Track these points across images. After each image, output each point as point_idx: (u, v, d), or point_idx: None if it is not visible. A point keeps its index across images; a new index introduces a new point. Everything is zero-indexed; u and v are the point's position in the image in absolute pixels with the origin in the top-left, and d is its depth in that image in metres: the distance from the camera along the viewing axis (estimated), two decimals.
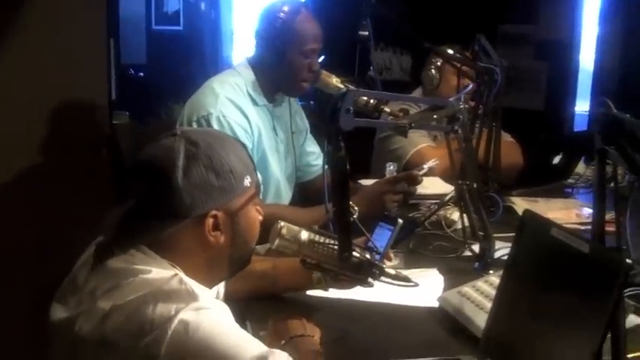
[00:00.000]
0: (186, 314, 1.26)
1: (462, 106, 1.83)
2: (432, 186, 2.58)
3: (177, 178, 1.36)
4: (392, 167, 2.47)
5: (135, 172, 1.43)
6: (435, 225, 2.39)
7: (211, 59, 4.61)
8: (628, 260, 1.19)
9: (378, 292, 1.77)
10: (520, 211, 2.61)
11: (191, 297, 1.30)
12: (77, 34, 2.95)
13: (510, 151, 3.01)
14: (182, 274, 1.37)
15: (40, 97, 2.88)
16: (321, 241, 1.56)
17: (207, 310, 1.29)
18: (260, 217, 1.53)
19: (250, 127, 2.35)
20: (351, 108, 1.51)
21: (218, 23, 5.15)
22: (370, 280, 1.57)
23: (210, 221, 1.40)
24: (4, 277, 2.73)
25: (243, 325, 1.65)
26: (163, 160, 1.38)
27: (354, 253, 1.54)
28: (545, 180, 2.93)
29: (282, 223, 1.56)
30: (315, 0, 4.34)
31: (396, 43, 4.53)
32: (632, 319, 1.62)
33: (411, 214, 2.47)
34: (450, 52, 3.10)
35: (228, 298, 1.74)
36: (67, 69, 2.93)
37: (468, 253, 2.13)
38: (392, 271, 1.60)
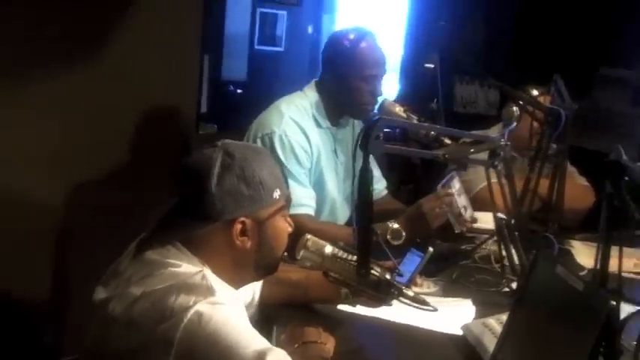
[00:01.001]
0: (202, 306, 1.42)
1: (502, 143, 1.91)
2: (490, 220, 2.65)
3: (212, 184, 1.53)
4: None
5: (177, 175, 1.61)
6: (484, 259, 2.46)
7: (308, 79, 4.79)
8: (612, 302, 1.27)
9: (405, 315, 1.89)
10: (577, 255, 2.66)
11: (209, 292, 1.46)
12: (173, 49, 3.18)
13: (581, 194, 3.04)
14: (208, 272, 1.53)
15: (135, 105, 3.10)
16: (344, 256, 1.69)
17: (222, 305, 1.45)
18: (289, 229, 1.67)
19: (310, 147, 2.52)
20: (381, 135, 1.63)
21: (318, 45, 5.37)
22: (388, 299, 1.69)
23: (238, 227, 1.56)
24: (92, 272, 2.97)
25: (270, 328, 1.81)
26: (202, 167, 1.55)
27: (374, 272, 1.66)
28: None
29: (309, 236, 1.71)
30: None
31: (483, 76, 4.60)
32: None
33: (463, 247, 2.54)
34: (535, 92, 3.17)
35: (263, 302, 1.90)
36: (161, 81, 3.15)
37: (508, 288, 2.20)
38: (410, 293, 1.70)
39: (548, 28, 4.42)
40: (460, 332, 1.88)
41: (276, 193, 1.60)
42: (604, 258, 1.43)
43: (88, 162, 2.96)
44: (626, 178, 1.40)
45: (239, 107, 4.65)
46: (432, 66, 2.52)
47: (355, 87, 2.53)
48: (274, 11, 5.43)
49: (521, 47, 4.35)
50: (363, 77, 2.52)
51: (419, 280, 2.07)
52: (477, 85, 4.70)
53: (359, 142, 1.66)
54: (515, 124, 2.51)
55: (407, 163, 4.12)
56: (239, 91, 5.09)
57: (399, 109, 2.48)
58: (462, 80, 4.59)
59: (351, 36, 2.53)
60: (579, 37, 4.39)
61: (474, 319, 1.96)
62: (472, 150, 1.89)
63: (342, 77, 2.54)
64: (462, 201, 2.46)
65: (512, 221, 2.05)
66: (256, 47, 5.29)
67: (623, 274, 2.39)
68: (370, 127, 1.65)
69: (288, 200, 1.66)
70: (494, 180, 3.05)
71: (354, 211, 2.65)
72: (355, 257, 1.67)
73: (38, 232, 2.83)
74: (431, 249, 1.84)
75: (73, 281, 2.92)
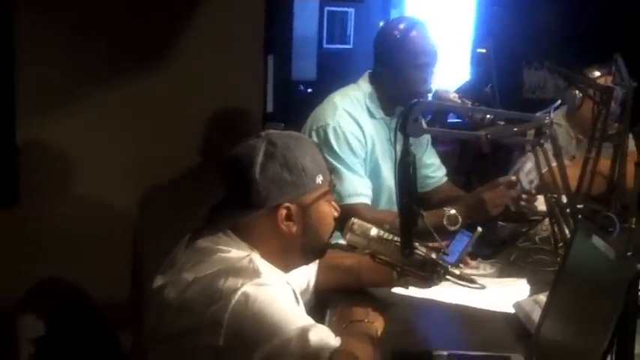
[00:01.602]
0: (249, 288, 1.51)
1: (547, 121, 1.94)
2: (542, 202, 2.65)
3: (255, 172, 1.62)
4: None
5: (224, 166, 1.71)
6: (545, 240, 2.47)
7: None
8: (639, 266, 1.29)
9: (458, 295, 1.94)
10: None
11: (256, 274, 1.54)
12: (237, 52, 3.28)
13: None
14: (256, 256, 1.62)
15: (201, 108, 3.21)
16: (389, 238, 1.75)
17: (267, 286, 1.53)
18: (335, 214, 1.75)
19: (364, 137, 2.58)
20: (420, 117, 1.69)
21: None
22: (435, 278, 1.74)
23: (283, 212, 1.64)
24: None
25: (324, 312, 1.89)
26: (246, 156, 1.65)
27: (419, 252, 1.71)
28: None
29: (355, 220, 1.78)
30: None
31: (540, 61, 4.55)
32: None
33: (524, 229, 2.56)
34: (597, 73, 3.15)
35: (318, 289, 1.98)
36: (227, 84, 3.25)
37: None
38: (457, 272, 1.75)
39: (615, 6, 4.35)
40: (512, 310, 1.91)
41: (319, 179, 1.67)
42: (638, 226, 1.45)
43: (160, 166, 3.08)
44: None
45: (309, 106, 4.73)
46: (484, 51, 2.53)
47: (408, 76, 2.58)
48: (342, 9, 5.52)
49: (588, 29, 4.29)
50: (415, 65, 2.57)
51: (473, 263, 2.11)
52: (544, 70, 4.67)
53: (400, 125, 1.71)
54: (559, 102, 2.50)
55: (462, 155, 4.15)
56: (309, 90, 5.20)
57: (453, 96, 2.52)
58: (530, 66, 4.56)
59: (402, 26, 2.59)
60: None
61: (528, 297, 1.98)
62: (515, 129, 1.91)
63: (394, 67, 2.59)
64: (528, 180, 2.47)
65: (564, 200, 2.06)
66: (325, 46, 5.40)
67: None
68: (408, 111, 1.70)
69: (332, 185, 1.73)
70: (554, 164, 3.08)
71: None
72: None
73: (115, 237, 2.97)
74: (480, 229, 1.88)
75: (147, 284, 3.05)
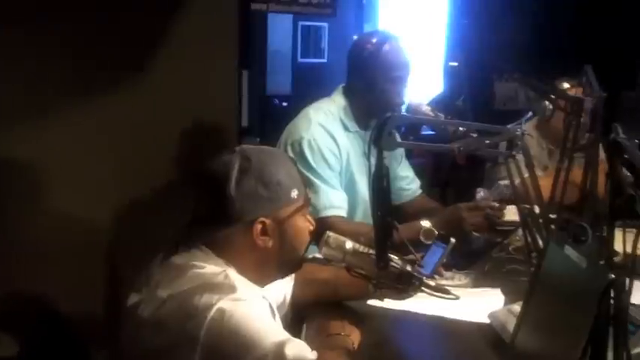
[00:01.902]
0: (224, 303, 1.51)
1: (518, 132, 1.95)
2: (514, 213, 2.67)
3: (231, 188, 1.62)
4: (482, 193, 2.60)
5: (197, 182, 1.70)
6: (519, 250, 2.48)
7: None
8: (611, 275, 1.31)
9: (433, 307, 1.94)
10: (615, 242, 2.66)
11: (231, 289, 1.54)
12: (211, 67, 3.27)
13: None
14: (232, 271, 1.61)
15: (176, 123, 3.19)
16: (365, 251, 1.76)
17: (243, 301, 1.53)
18: (310, 227, 1.75)
19: (339, 151, 2.59)
20: (394, 131, 1.69)
21: None
22: (410, 290, 1.75)
23: (258, 227, 1.64)
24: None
25: (300, 327, 1.88)
26: (220, 172, 1.64)
27: (394, 264, 1.72)
28: None
29: (330, 234, 1.78)
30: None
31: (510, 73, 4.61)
32: None
33: (498, 239, 2.58)
34: (566, 85, 3.19)
35: (295, 302, 1.98)
36: (201, 99, 3.24)
37: None
38: (432, 283, 1.76)
39: (586, 18, 4.41)
40: (487, 320, 1.92)
41: (294, 193, 1.68)
42: (609, 236, 1.46)
43: (134, 180, 3.05)
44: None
45: (284, 120, 4.74)
46: (456, 64, 2.55)
47: (381, 89, 2.60)
48: (316, 23, 5.54)
49: (560, 41, 4.35)
50: (389, 79, 2.59)
51: (448, 273, 2.12)
52: (515, 83, 4.71)
53: (374, 138, 1.71)
54: (530, 114, 2.53)
55: (436, 167, 4.17)
56: (284, 104, 5.21)
57: (426, 109, 2.53)
58: (501, 78, 4.61)
59: (375, 40, 2.61)
60: (620, 27, 4.37)
61: (502, 307, 1.99)
62: (487, 141, 1.93)
63: (368, 80, 2.61)
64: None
65: (537, 211, 2.08)
66: (299, 60, 5.42)
67: None
68: (383, 124, 1.71)
69: (307, 200, 1.74)
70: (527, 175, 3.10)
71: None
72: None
73: (89, 251, 2.94)
74: (453, 240, 1.89)
75: (123, 298, 3.04)
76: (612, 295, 1.31)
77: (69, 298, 2.05)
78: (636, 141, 1.49)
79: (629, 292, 1.31)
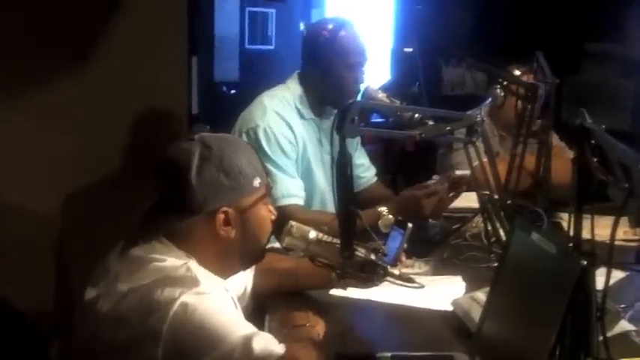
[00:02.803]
0: (188, 297, 1.45)
1: (478, 119, 1.93)
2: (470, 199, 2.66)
3: (192, 177, 1.55)
4: (435, 178, 2.58)
5: (156, 171, 1.63)
6: (475, 237, 2.48)
7: None
8: (583, 262, 1.29)
9: (396, 295, 1.92)
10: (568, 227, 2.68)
11: (194, 283, 1.48)
12: (160, 52, 3.19)
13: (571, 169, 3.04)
14: (194, 263, 1.56)
15: (125, 110, 3.11)
16: (328, 240, 1.71)
17: (207, 295, 1.47)
18: (272, 217, 1.70)
19: (295, 138, 2.54)
20: (356, 118, 1.65)
21: None
22: (375, 278, 1.71)
23: (221, 217, 1.58)
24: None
25: (263, 318, 1.84)
26: (180, 161, 1.58)
27: (358, 253, 1.68)
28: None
29: (293, 223, 1.73)
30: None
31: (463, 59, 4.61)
32: (622, 325, 1.68)
33: (455, 226, 2.57)
34: (517, 72, 3.20)
35: (255, 293, 1.93)
36: (150, 85, 3.16)
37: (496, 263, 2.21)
38: (396, 272, 1.73)
39: (530, 6, 4.44)
40: (450, 308, 1.90)
41: (257, 182, 1.62)
42: (576, 222, 1.44)
43: (82, 169, 2.97)
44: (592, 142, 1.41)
45: (233, 107, 4.66)
46: (411, 50, 2.52)
47: (339, 76, 2.56)
48: (263, 9, 5.47)
49: (505, 27, 4.37)
50: (346, 65, 2.55)
51: (408, 261, 2.10)
52: (463, 68, 4.73)
53: (337, 126, 1.67)
54: (490, 99, 2.52)
55: (387, 154, 4.16)
56: (232, 91, 5.13)
57: (381, 95, 2.50)
58: (449, 63, 4.62)
59: (330, 26, 2.56)
60: (563, 13, 4.41)
61: (464, 294, 1.98)
62: (448, 128, 1.90)
63: (324, 68, 2.56)
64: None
65: (496, 197, 2.07)
66: (247, 47, 5.34)
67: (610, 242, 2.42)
68: (345, 111, 1.67)
69: (268, 188, 1.69)
70: (484, 160, 3.11)
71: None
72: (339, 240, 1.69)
73: (37, 241, 2.84)
74: (410, 225, 1.85)
75: (75, 290, 2.95)
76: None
77: (19, 292, 1.97)
78: (602, 126, 1.48)
79: (607, 279, 1.29)
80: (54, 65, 2.87)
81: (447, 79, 4.71)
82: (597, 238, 1.44)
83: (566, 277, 1.30)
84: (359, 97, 2.54)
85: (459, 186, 2.45)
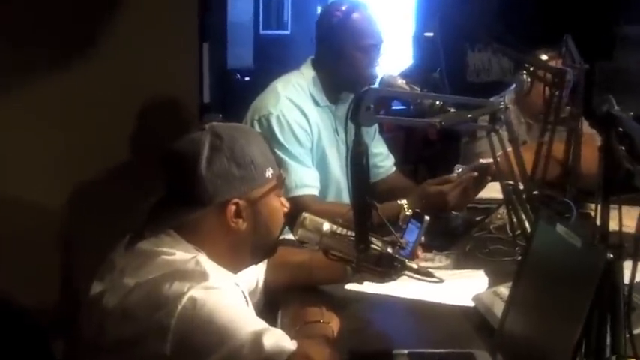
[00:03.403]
0: (196, 292, 1.46)
1: (502, 106, 1.93)
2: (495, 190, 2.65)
3: (202, 167, 1.57)
4: (460, 170, 2.57)
5: (165, 162, 1.65)
6: (500, 229, 2.48)
7: None
8: (610, 255, 1.29)
9: (415, 290, 1.92)
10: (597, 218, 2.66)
11: (203, 277, 1.50)
12: (170, 40, 3.20)
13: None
14: (203, 257, 1.57)
15: (135, 100, 3.14)
16: (343, 232, 1.72)
17: (216, 289, 1.48)
18: (284, 209, 1.71)
19: (310, 126, 2.55)
20: (372, 106, 1.65)
21: None
22: (392, 272, 1.72)
23: (232, 208, 1.59)
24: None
25: (275, 314, 1.85)
26: (190, 151, 1.59)
27: (374, 246, 1.68)
28: None
29: (306, 215, 1.74)
30: None
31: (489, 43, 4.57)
32: None
33: (478, 218, 2.56)
34: (544, 57, 3.18)
35: (267, 288, 1.94)
36: (160, 74, 3.17)
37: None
38: (414, 265, 1.73)
39: None
40: (472, 303, 1.90)
41: (269, 172, 1.63)
42: (603, 213, 1.44)
43: (91, 162, 3.00)
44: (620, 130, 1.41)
45: (246, 96, 4.67)
46: (432, 34, 2.52)
47: (351, 59, 2.56)
48: None
49: (533, 9, 4.34)
50: (360, 47, 2.55)
51: (428, 255, 2.10)
52: (489, 53, 4.70)
53: (351, 114, 1.67)
54: (513, 85, 2.51)
55: (408, 143, 4.15)
56: (246, 78, 5.14)
57: (401, 82, 2.49)
58: (474, 48, 4.59)
59: (343, 8, 2.56)
60: None
61: (487, 289, 1.98)
62: (470, 116, 1.90)
63: (338, 51, 2.57)
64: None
65: (521, 187, 2.06)
66: (261, 32, 5.34)
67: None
68: (360, 98, 1.67)
69: (280, 179, 1.69)
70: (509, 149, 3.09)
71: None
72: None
73: (43, 235, 2.88)
74: (427, 218, 1.84)
75: (80, 286, 2.97)
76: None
77: (22, 286, 1.99)
78: (630, 113, 1.48)
79: (633, 272, 1.29)
80: (60, 55, 2.90)
81: (472, 65, 4.68)
82: (626, 229, 1.45)
83: (591, 271, 1.29)
84: (377, 84, 2.54)
85: (484, 176, 2.44)
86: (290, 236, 1.91)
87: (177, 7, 3.23)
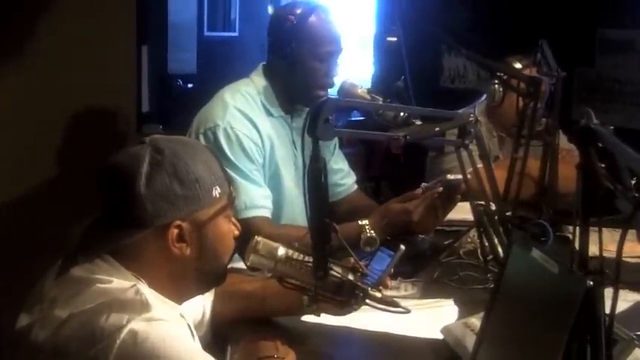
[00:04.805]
0: (137, 324, 1.46)
1: (471, 118, 1.96)
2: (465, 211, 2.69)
3: (140, 185, 1.57)
4: (424, 186, 2.60)
5: (100, 178, 1.65)
6: (470, 254, 2.52)
7: None
8: (590, 282, 1.32)
9: (378, 322, 1.94)
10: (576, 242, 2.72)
11: (144, 308, 1.50)
12: (105, 42, 3.21)
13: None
14: (144, 286, 1.57)
15: (67, 107, 3.14)
16: (299, 258, 1.73)
17: (159, 321, 1.49)
18: (236, 232, 1.72)
19: (261, 139, 2.56)
20: (331, 118, 1.68)
21: None
22: (353, 302, 1.74)
23: (174, 232, 1.60)
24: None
25: (224, 349, 1.85)
26: (127, 167, 1.59)
27: (334, 273, 1.70)
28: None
29: (259, 239, 1.75)
30: None
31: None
32: (638, 355, 1.72)
33: (446, 242, 2.60)
34: (518, 65, 3.24)
35: (215, 320, 1.94)
36: (95, 80, 3.18)
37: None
38: (378, 294, 1.75)
39: None
40: (440, 336, 1.93)
41: (216, 191, 1.64)
42: (582, 237, 1.48)
43: (19, 171, 2.99)
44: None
45: (189, 104, 4.68)
46: (395, 39, 2.55)
47: (307, 67, 2.58)
48: None
49: (507, 12, 4.41)
50: (315, 55, 2.57)
51: (393, 283, 2.12)
52: (464, 58, 4.71)
53: (308, 127, 1.69)
54: (484, 96, 2.56)
55: (370, 158, 4.18)
56: (190, 85, 5.15)
57: (361, 91, 2.52)
58: (451, 51, 4.59)
59: (298, 10, 2.57)
60: None
61: (456, 320, 2.01)
62: (437, 129, 1.93)
63: (291, 58, 2.58)
64: None
65: (493, 208, 2.10)
66: (206, 34, 5.36)
67: (624, 259, 2.45)
68: (318, 109, 1.69)
69: (231, 199, 1.70)
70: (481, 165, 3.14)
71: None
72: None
73: None
74: (402, 247, 1.88)
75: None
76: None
77: None
78: (611, 127, 1.52)
79: (614, 301, 1.32)
80: None
81: (448, 70, 4.70)
82: (607, 254, 1.49)
83: (570, 300, 1.33)
84: (334, 94, 2.57)
85: (453, 194, 2.48)
86: (240, 264, 1.91)
87: (113, 6, 3.24)
